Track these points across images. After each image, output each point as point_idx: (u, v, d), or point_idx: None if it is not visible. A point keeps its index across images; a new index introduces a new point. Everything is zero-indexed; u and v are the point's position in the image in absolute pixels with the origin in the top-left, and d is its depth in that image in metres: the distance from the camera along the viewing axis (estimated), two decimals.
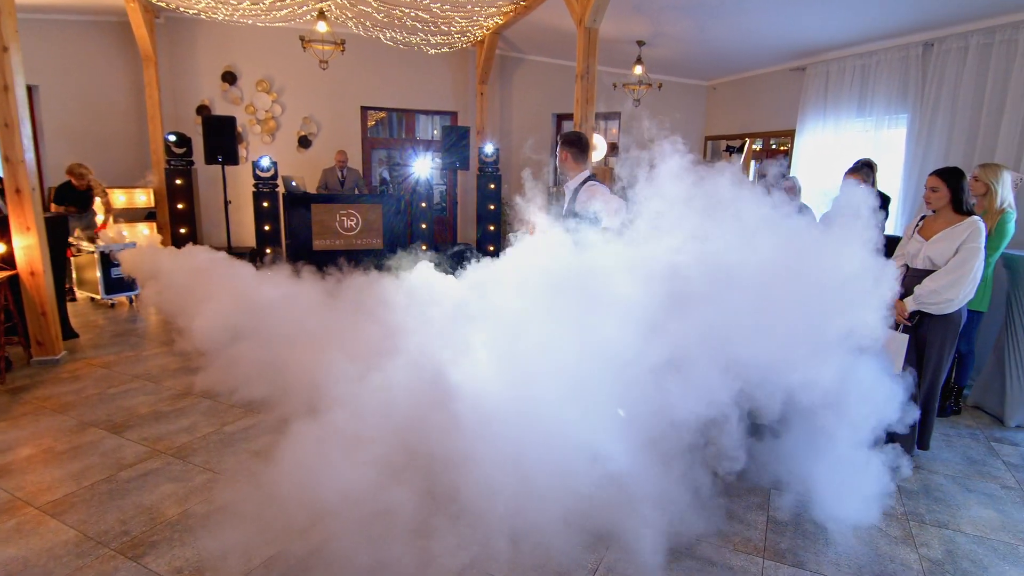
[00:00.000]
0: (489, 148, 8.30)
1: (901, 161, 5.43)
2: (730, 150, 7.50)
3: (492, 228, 8.45)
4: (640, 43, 7.14)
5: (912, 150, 5.26)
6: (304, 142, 8.77)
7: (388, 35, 7.88)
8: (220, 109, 8.28)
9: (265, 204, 7.53)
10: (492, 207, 8.40)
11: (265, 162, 7.43)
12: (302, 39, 6.50)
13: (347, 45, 7.98)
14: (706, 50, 7.07)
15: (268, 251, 7.56)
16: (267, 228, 7.58)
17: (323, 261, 7.65)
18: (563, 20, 6.70)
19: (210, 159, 7.38)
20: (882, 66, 5.51)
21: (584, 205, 3.25)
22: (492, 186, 8.37)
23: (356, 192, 8.24)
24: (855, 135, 5.85)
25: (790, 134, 6.78)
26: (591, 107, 5.65)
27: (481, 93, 9.03)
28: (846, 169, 3.96)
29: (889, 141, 5.58)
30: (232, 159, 7.44)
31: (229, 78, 8.30)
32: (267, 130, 8.57)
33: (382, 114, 9.40)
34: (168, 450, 3.10)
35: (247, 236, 8.38)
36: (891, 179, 5.53)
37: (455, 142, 8.21)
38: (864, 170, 3.72)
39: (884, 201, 4.94)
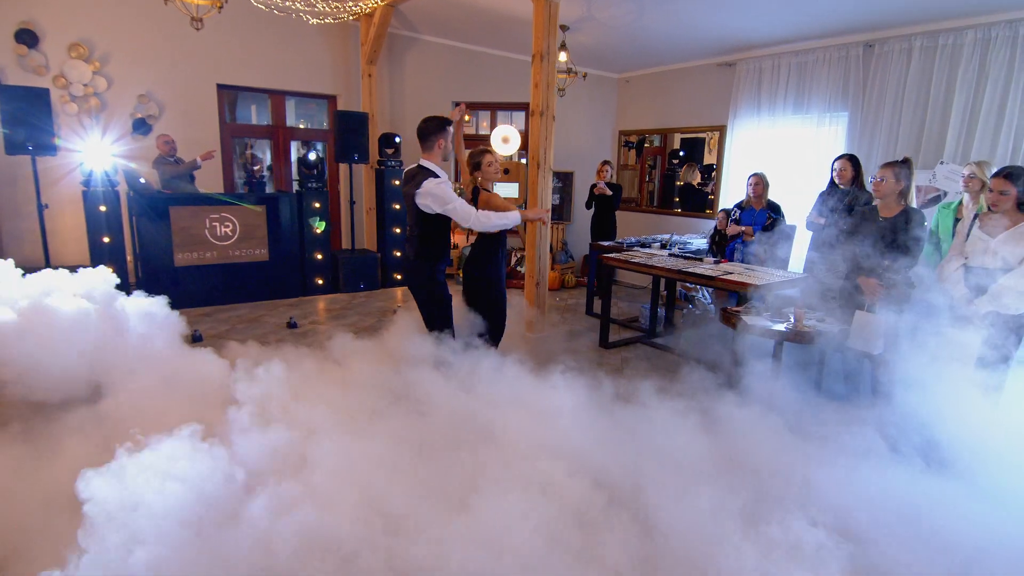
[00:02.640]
0: (397, 139, 7.20)
1: None
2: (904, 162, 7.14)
3: (398, 231, 7.36)
4: (564, 27, 6.62)
5: (853, 148, 5.42)
6: (141, 126, 6.82)
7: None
8: (15, 80, 6.06)
9: (102, 208, 5.65)
10: (397, 206, 7.31)
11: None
12: None
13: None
14: (628, 40, 6.77)
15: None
16: (106, 240, 5.70)
17: (191, 281, 6.02)
18: None
19: (12, 147, 5.31)
20: (821, 64, 5.62)
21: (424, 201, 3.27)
22: (396, 182, 7.28)
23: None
24: (793, 131, 5.94)
25: (717, 129, 6.78)
26: (551, 93, 4.98)
27: (369, 75, 7.83)
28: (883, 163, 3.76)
29: (828, 138, 5.72)
30: (46, 147, 5.44)
31: (27, 38, 6.11)
32: (87, 110, 6.50)
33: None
34: None
35: (72, 251, 6.28)
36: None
37: (350, 130, 6.99)
38: (901, 167, 3.56)
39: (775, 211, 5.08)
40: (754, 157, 6.27)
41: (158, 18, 6.63)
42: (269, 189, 8.11)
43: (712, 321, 5.74)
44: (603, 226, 6.85)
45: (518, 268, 7.82)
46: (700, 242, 6.44)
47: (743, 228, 5.07)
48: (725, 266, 4.64)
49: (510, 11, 6.48)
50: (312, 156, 6.69)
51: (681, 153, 8.47)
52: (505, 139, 7.70)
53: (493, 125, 8.47)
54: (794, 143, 5.92)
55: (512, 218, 3.44)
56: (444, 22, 7.50)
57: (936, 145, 4.94)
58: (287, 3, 6.53)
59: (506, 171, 7.82)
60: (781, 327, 3.55)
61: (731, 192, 6.63)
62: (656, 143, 8.17)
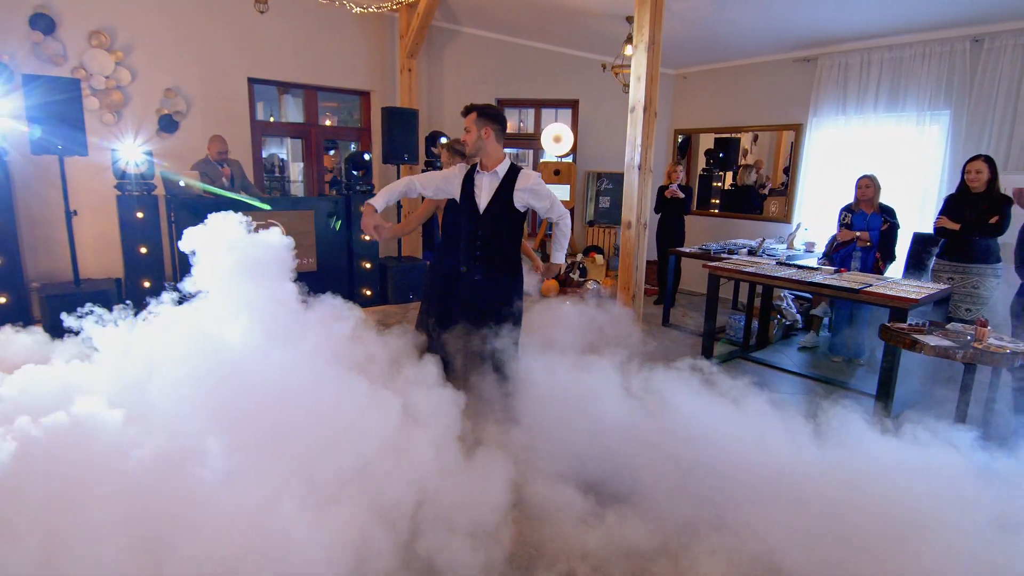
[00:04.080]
0: (443, 140, 6.69)
1: (940, 159, 5.31)
2: None
3: None
4: (630, 19, 6.21)
5: (957, 149, 5.14)
6: (168, 124, 6.18)
7: None
8: (28, 70, 5.37)
9: (139, 215, 5.03)
10: None
11: (133, 152, 4.94)
12: None
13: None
14: (697, 34, 6.38)
15: (146, 285, 5.07)
16: (143, 251, 5.08)
17: None
18: None
19: (38, 147, 4.66)
20: (919, 60, 5.32)
21: (525, 196, 3.07)
22: None
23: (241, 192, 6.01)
24: (885, 131, 5.63)
25: (793, 128, 6.45)
26: (655, 86, 4.56)
27: (409, 70, 7.30)
28: None
29: (926, 138, 5.43)
30: (76, 147, 4.79)
31: (42, 24, 5.43)
32: (110, 105, 5.84)
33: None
34: None
35: (104, 263, 5.62)
36: (929, 176, 5.40)
37: (399, 129, 6.46)
38: None
39: (890, 215, 4.72)
40: (838, 157, 5.95)
41: (184, 4, 6.02)
42: (299, 192, 7.52)
43: (811, 335, 5.40)
44: (673, 231, 6.47)
45: (570, 275, 7.38)
46: (780, 247, 6.10)
47: (858, 234, 4.72)
48: (854, 276, 4.28)
49: (566, 0, 6.06)
50: (367, 156, 6.14)
51: (720, 155, 8.16)
52: (557, 138, 7.26)
53: (538, 123, 8.02)
54: (886, 144, 5.61)
55: None
56: (489, 13, 7.02)
57: None
58: None
59: (556, 172, 7.39)
60: (966, 346, 3.19)
61: (807, 194, 6.31)
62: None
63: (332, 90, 7.41)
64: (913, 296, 3.71)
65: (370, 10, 6.83)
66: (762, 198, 7.32)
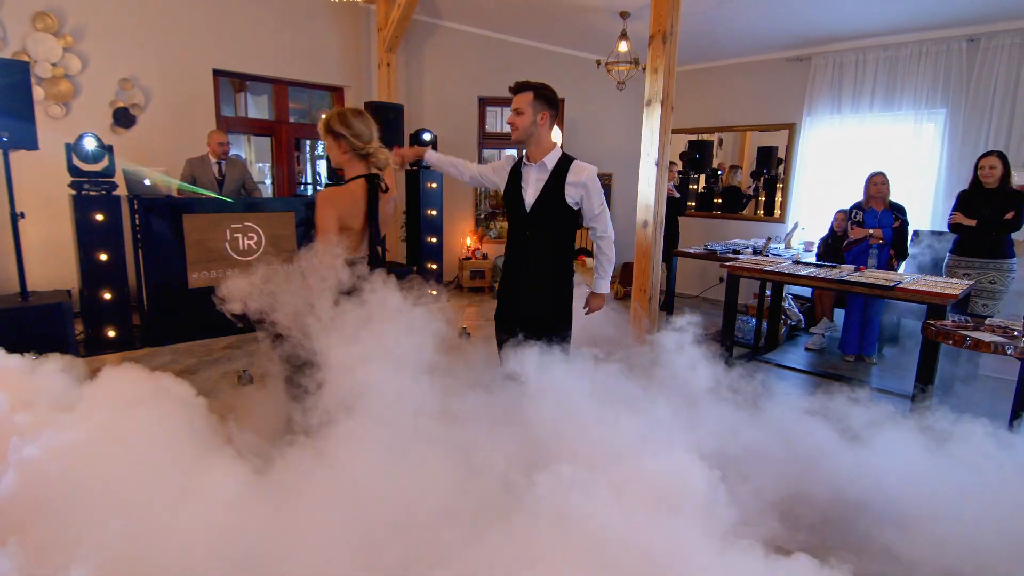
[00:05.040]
0: (427, 136, 6.33)
1: (937, 157, 5.36)
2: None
3: (433, 240, 6.48)
4: (624, 14, 6.05)
5: (955, 147, 5.19)
6: (123, 117, 5.58)
7: None
8: None
9: (98, 217, 4.44)
10: (433, 212, 6.43)
11: (90, 143, 4.36)
12: None
13: None
14: (691, 32, 6.28)
15: (107, 296, 4.48)
16: (103, 258, 4.49)
17: (207, 306, 4.90)
18: None
19: None
20: (914, 59, 5.37)
21: (578, 192, 2.67)
22: (433, 185, 6.40)
23: (243, 195, 5.53)
24: (881, 130, 5.65)
25: (786, 127, 6.42)
26: (672, 79, 4.37)
27: (387, 64, 6.90)
28: None
29: (920, 137, 5.48)
30: (26, 140, 4.18)
31: None
32: (57, 96, 5.21)
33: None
34: None
35: (50, 272, 4.97)
36: (925, 177, 5.45)
37: (384, 126, 6.04)
38: None
39: (901, 212, 4.74)
40: (832, 157, 5.95)
41: None
42: (266, 194, 6.97)
43: (817, 337, 5.32)
44: (668, 233, 6.30)
45: None
46: (778, 246, 6.04)
47: (872, 231, 4.67)
48: (875, 274, 4.19)
49: None
50: None
51: (696, 156, 8.13)
52: None
53: None
54: (882, 143, 5.63)
55: None
56: (473, 7, 6.72)
57: None
58: None
59: None
60: (1018, 342, 3.11)
61: (802, 193, 6.29)
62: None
63: (303, 85, 6.93)
64: (951, 292, 3.63)
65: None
66: (748, 199, 7.30)
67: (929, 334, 3.43)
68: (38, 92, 5.06)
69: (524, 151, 2.78)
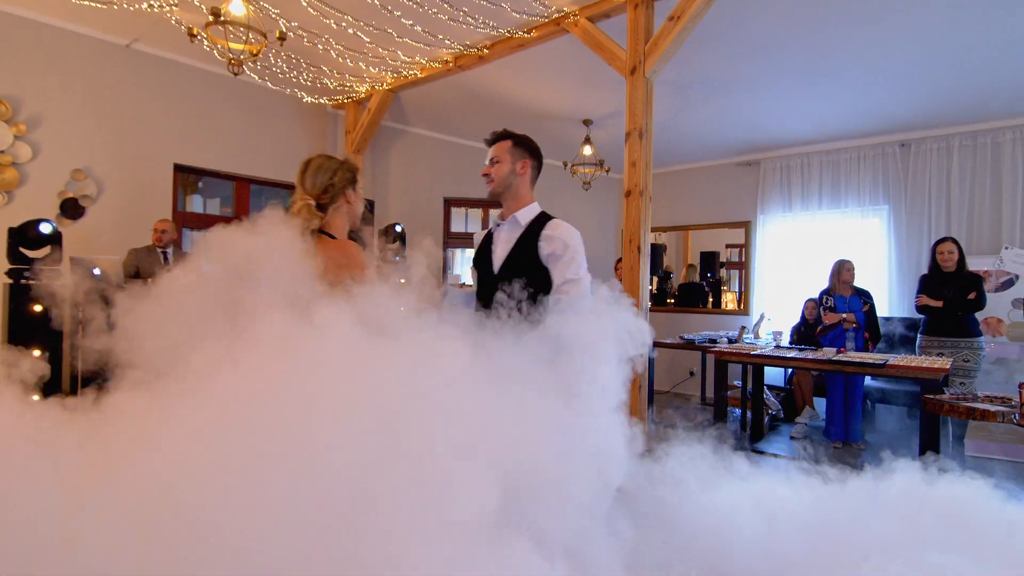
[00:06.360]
0: (399, 227, 6.25)
1: (884, 249, 5.72)
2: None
3: None
4: (587, 122, 6.42)
5: (901, 238, 5.57)
6: (71, 209, 5.24)
7: (260, 67, 5.44)
8: None
9: (36, 308, 3.98)
10: None
11: (46, 229, 4.01)
12: (191, 31, 3.75)
13: (164, 75, 5.47)
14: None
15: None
16: (35, 354, 3.96)
17: None
18: (484, 84, 5.92)
19: None
20: (854, 162, 5.88)
21: (551, 246, 2.22)
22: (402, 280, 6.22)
23: None
24: (831, 225, 6.03)
25: (742, 226, 6.76)
26: (649, 172, 4.55)
27: None
28: None
29: (867, 230, 5.87)
30: None
31: None
32: (0, 184, 4.86)
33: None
34: None
35: None
36: (875, 266, 5.77)
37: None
38: None
39: (867, 296, 5.00)
40: (788, 251, 6.26)
41: (108, 78, 5.39)
42: None
43: (800, 426, 5.27)
44: None
45: None
46: (747, 336, 6.12)
47: (845, 315, 4.80)
48: (854, 355, 4.25)
49: (522, 102, 6.22)
50: None
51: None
52: None
53: (485, 224, 7.85)
54: (833, 236, 6.00)
55: None
56: (440, 115, 7.01)
57: (991, 231, 5.20)
58: (289, 76, 5.66)
59: None
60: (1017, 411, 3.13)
61: (765, 286, 6.52)
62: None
63: (267, 183, 6.82)
64: (941, 366, 3.68)
65: (321, 101, 6.53)
66: (708, 293, 7.51)
67: (931, 407, 3.41)
68: None
69: (499, 212, 2.43)
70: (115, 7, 4.41)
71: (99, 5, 4.43)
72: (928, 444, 3.53)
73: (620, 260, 6.61)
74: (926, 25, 3.93)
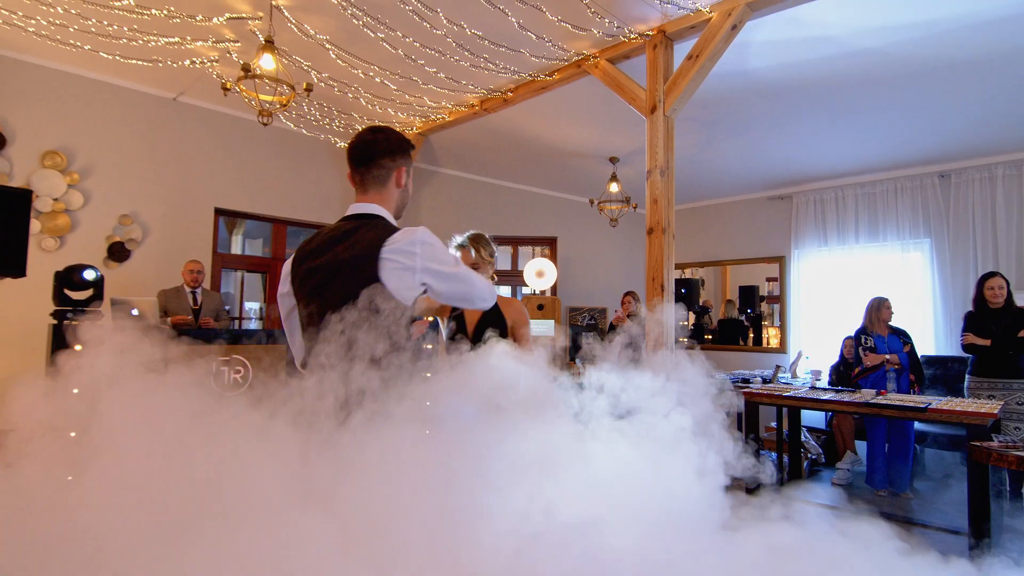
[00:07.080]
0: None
1: (929, 284, 5.46)
2: None
3: None
4: (613, 159, 6.44)
5: (944, 272, 5.31)
6: (118, 252, 5.52)
7: (295, 115, 5.69)
8: None
9: (76, 347, 4.15)
10: None
11: (90, 275, 4.21)
12: (224, 85, 3.97)
13: (206, 125, 5.76)
14: (678, 175, 6.67)
15: None
16: (75, 391, 4.12)
17: None
18: (510, 125, 5.95)
19: None
20: (891, 194, 5.68)
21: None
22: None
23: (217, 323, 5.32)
24: (870, 258, 5.81)
25: (776, 260, 6.59)
26: (671, 209, 4.50)
27: None
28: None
29: (909, 265, 5.62)
30: (13, 266, 4.04)
31: None
32: (53, 229, 5.17)
33: None
34: None
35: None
36: (919, 302, 5.50)
37: None
38: None
39: (906, 337, 4.73)
40: (825, 286, 6.04)
41: (155, 128, 5.73)
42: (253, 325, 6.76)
43: (843, 472, 4.99)
44: None
45: None
46: (786, 375, 5.89)
47: (888, 357, 4.57)
48: (896, 397, 4.02)
49: (548, 142, 6.28)
50: None
51: (682, 291, 8.28)
52: (539, 273, 7.10)
53: (515, 261, 7.90)
54: (872, 270, 5.77)
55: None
56: (470, 156, 7.15)
57: None
58: (322, 122, 5.91)
59: (540, 307, 7.11)
60: None
61: (802, 323, 6.29)
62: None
63: (304, 224, 7.06)
64: (989, 411, 3.44)
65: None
66: (746, 329, 7.30)
67: (977, 456, 3.18)
68: (34, 225, 5.01)
69: None
70: (159, 64, 4.71)
71: (146, 63, 4.75)
72: (976, 498, 3.27)
73: (628, 293, 6.51)
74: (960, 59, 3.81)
